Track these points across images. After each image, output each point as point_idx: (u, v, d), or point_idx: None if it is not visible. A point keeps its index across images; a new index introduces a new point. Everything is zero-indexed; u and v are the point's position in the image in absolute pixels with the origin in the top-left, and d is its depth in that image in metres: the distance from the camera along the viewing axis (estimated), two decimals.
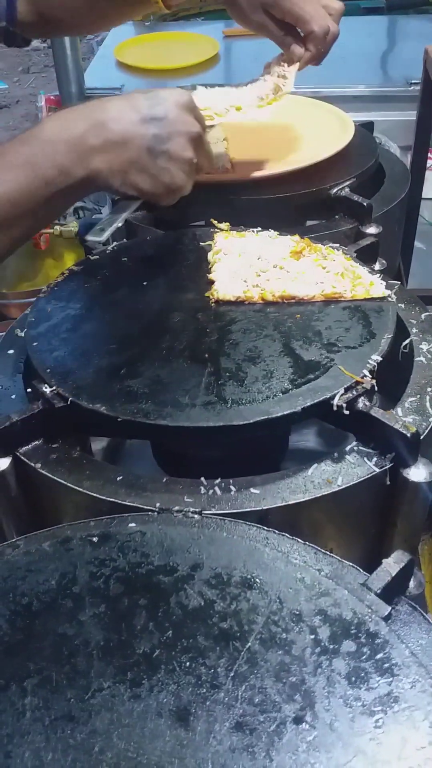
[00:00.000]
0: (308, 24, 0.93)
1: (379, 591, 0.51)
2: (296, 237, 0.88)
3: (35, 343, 0.74)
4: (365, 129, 1.20)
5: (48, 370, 0.69)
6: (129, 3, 1.00)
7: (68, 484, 0.63)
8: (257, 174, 1.00)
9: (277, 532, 0.57)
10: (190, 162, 0.79)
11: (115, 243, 0.92)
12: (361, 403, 0.65)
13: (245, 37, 2.28)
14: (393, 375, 0.74)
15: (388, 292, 0.79)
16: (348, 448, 0.66)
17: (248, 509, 0.61)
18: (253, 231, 0.91)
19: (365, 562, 0.56)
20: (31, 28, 1.01)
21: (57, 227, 1.33)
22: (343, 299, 0.78)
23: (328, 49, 0.97)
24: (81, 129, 0.74)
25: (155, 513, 0.59)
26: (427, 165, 1.98)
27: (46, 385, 0.67)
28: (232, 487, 0.63)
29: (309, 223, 1.04)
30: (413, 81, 1.73)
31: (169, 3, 0.98)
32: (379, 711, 0.43)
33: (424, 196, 1.94)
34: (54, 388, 0.67)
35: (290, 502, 0.61)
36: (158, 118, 0.76)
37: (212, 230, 0.92)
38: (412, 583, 0.58)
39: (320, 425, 0.90)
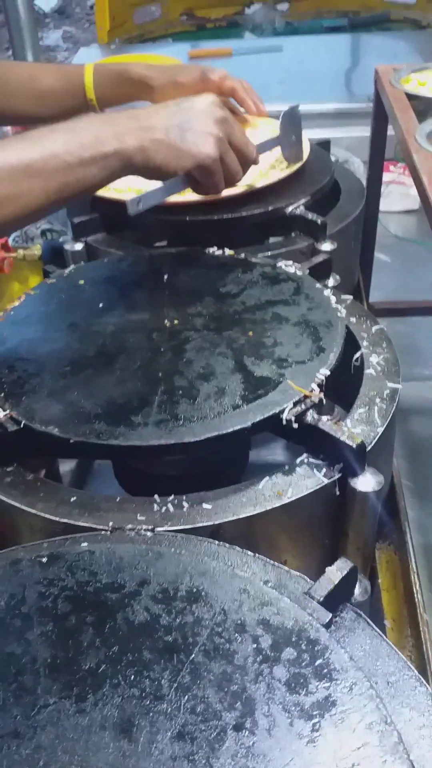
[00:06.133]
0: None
1: (321, 599, 0.52)
2: None
3: None
4: (321, 147, 1.22)
5: (2, 394, 0.70)
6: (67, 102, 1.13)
7: (22, 507, 0.64)
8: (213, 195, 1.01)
9: (226, 545, 0.58)
10: (216, 136, 0.84)
11: (72, 266, 0.93)
12: (310, 416, 0.67)
13: (210, 57, 2.32)
14: (350, 387, 0.76)
15: None
16: (299, 460, 0.68)
17: (200, 525, 0.62)
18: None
19: (321, 573, 0.57)
20: None
21: (20, 251, 1.34)
22: None
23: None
24: (118, 117, 0.84)
25: (108, 532, 0.60)
26: (392, 179, 2.02)
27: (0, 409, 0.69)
28: (184, 504, 0.64)
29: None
30: None
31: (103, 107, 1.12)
32: (317, 715, 0.45)
33: (390, 209, 1.98)
34: (7, 411, 0.68)
35: (241, 516, 0.63)
36: (185, 108, 0.85)
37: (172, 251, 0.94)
38: (357, 590, 0.59)
39: None
